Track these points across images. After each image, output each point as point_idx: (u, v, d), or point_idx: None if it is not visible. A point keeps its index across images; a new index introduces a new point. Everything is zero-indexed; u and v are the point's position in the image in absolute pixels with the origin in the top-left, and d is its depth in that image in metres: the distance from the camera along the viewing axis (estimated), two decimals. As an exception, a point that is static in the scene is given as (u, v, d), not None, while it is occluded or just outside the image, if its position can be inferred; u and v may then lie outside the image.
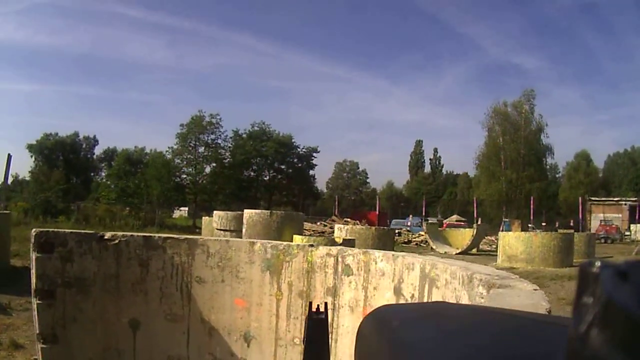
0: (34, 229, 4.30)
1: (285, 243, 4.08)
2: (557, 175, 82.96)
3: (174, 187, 49.93)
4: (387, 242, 22.99)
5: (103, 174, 76.40)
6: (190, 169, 56.26)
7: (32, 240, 4.16)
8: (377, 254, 3.58)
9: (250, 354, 4.08)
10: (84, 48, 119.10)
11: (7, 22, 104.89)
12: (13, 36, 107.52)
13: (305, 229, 31.70)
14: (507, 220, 53.09)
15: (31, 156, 70.13)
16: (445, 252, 25.26)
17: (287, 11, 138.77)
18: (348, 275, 3.72)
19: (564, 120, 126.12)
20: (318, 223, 36.61)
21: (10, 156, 22.33)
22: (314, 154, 64.77)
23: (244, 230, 15.98)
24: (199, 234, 25.25)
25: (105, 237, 4.46)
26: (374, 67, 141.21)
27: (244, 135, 59.85)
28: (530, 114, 64.02)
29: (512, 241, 19.48)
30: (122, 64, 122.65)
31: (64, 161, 72.94)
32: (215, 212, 20.90)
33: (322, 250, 3.87)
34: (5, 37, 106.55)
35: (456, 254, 24.73)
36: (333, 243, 14.26)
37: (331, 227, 25.51)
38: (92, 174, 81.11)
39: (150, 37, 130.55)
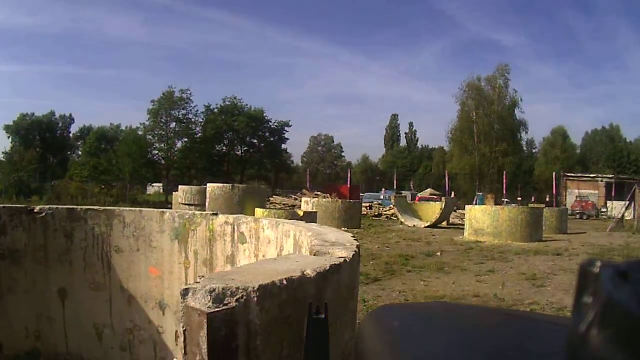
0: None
1: (190, 212, 4.29)
2: (533, 151, 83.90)
3: (145, 164, 49.92)
4: (354, 215, 23.19)
5: (80, 153, 75.79)
6: (162, 145, 56.14)
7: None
8: (265, 221, 3.75)
9: (165, 322, 4.28)
10: (59, 27, 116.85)
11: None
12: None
13: (276, 203, 31.95)
14: (480, 194, 53.65)
15: (8, 137, 69.18)
16: (414, 226, 25.39)
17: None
18: (243, 244, 3.90)
19: (543, 97, 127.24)
20: (292, 197, 36.84)
21: None
22: (286, 128, 64.88)
23: (207, 204, 16.11)
24: (171, 209, 25.28)
25: (35, 211, 4.64)
26: (351, 42, 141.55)
27: (216, 110, 59.58)
28: (504, 89, 64.36)
29: (479, 215, 19.22)
30: (98, 42, 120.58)
31: (41, 141, 71.88)
32: (180, 187, 20.93)
33: (221, 218, 4.06)
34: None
35: (425, 227, 24.89)
36: (294, 216, 14.49)
37: (302, 201, 25.74)
38: (69, 153, 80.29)
39: (127, 15, 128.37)
